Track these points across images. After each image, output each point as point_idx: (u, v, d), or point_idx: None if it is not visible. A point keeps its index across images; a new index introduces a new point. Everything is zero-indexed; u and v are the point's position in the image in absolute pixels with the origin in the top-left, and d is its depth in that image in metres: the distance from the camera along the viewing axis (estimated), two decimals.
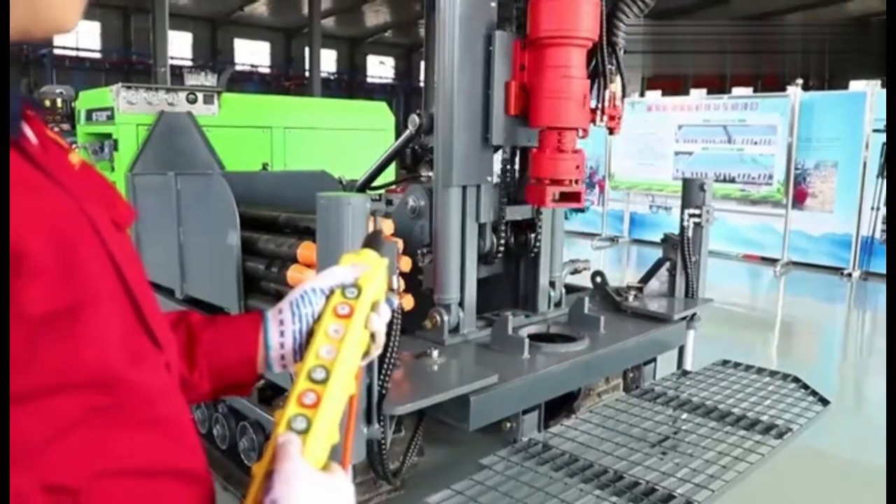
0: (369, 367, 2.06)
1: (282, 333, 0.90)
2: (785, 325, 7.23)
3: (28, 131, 0.63)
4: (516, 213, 3.04)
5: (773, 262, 9.43)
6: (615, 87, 2.87)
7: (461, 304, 2.87)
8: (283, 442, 0.67)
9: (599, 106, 2.83)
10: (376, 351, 0.91)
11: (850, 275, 8.88)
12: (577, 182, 2.74)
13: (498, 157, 3.01)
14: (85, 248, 0.61)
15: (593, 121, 2.82)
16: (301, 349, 0.89)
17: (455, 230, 2.81)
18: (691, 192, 3.46)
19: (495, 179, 2.97)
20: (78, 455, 0.59)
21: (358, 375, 0.84)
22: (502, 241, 2.98)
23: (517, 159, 3.11)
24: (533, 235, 3.14)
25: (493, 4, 2.76)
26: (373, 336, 0.89)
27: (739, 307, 7.78)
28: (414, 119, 3.01)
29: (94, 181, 0.74)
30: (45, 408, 0.56)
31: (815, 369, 5.58)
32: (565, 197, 2.74)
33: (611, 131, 2.96)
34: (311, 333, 0.86)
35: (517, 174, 3.09)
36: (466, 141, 2.75)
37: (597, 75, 2.82)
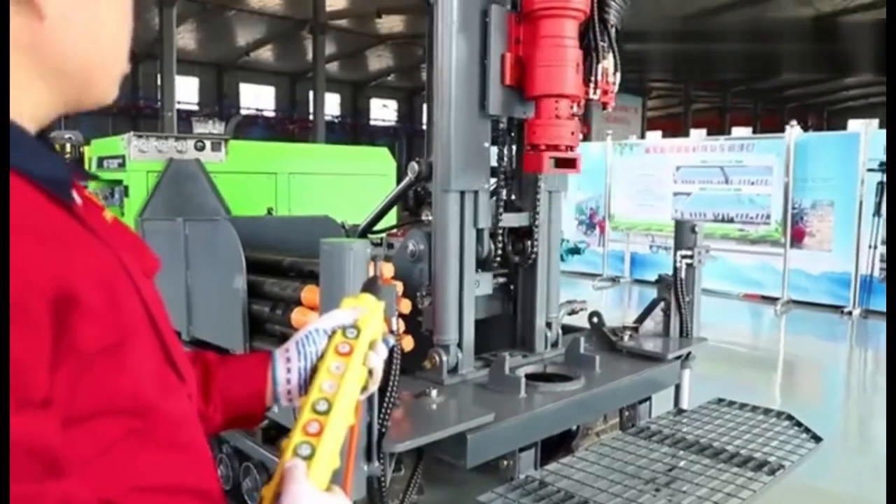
0: (370, 405, 2.14)
1: (288, 370, 1.01)
2: (787, 364, 7.26)
3: (75, 194, 0.74)
4: (513, 220, 3.15)
5: (773, 300, 9.49)
6: (608, 63, 2.97)
7: (460, 345, 2.95)
8: (290, 466, 0.77)
9: (593, 80, 2.92)
10: (374, 385, 1.01)
11: (850, 313, 8.92)
12: (572, 149, 2.83)
13: (494, 153, 3.10)
14: (124, 293, 0.71)
15: (587, 94, 2.92)
16: (306, 384, 1.00)
17: (454, 236, 2.90)
18: (683, 233, 3.56)
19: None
20: (116, 471, 0.68)
21: (357, 408, 0.94)
22: (500, 247, 3.06)
23: (514, 156, 3.20)
24: (530, 243, 3.22)
25: None
26: (370, 372, 0.99)
27: (741, 346, 7.81)
28: (413, 166, 3.13)
29: (125, 234, 0.85)
30: (94, 429, 0.66)
31: (817, 408, 5.61)
32: (562, 163, 2.83)
33: (604, 106, 3.06)
34: (314, 370, 0.97)
35: (514, 162, 3.18)
36: (466, 141, 2.85)
37: (590, 51, 2.91)
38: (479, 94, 2.87)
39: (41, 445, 0.58)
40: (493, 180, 3.09)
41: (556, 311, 3.41)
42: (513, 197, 3.29)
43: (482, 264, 3.09)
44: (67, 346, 0.61)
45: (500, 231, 3.08)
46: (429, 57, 2.96)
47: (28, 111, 0.70)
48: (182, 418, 0.79)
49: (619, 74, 3.00)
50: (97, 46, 0.75)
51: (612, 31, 2.98)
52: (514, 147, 3.22)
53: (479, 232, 3.03)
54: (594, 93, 2.91)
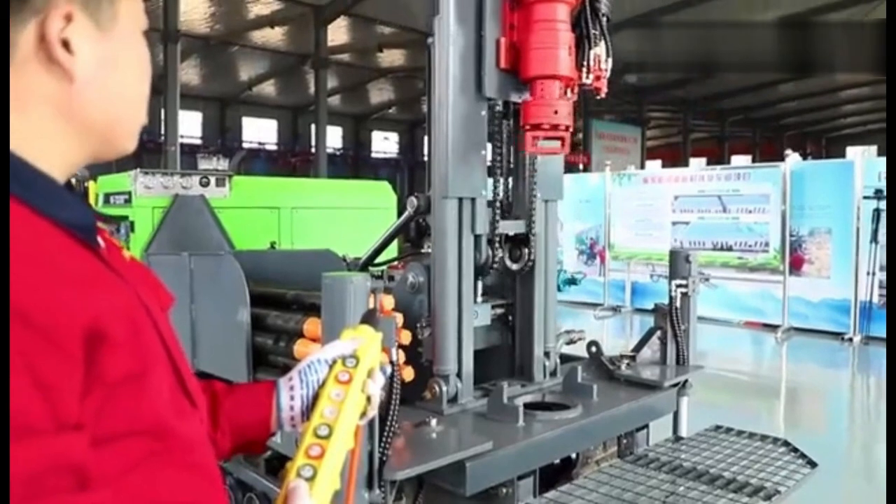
0: (371, 434, 2.20)
1: (292, 397, 1.08)
2: (789, 392, 7.28)
3: (98, 238, 0.82)
4: (510, 227, 3.22)
5: (774, 328, 9.53)
6: (600, 50, 3.03)
7: (459, 375, 3.01)
8: (294, 487, 0.84)
9: (585, 64, 2.98)
10: (372, 411, 1.09)
11: (850, 340, 8.96)
12: (564, 128, 2.88)
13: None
14: (144, 327, 0.79)
15: (580, 78, 2.98)
16: (308, 411, 1.07)
17: (452, 242, 2.96)
18: (678, 263, 3.63)
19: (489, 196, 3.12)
20: (138, 489, 0.75)
21: (357, 432, 1.01)
22: (498, 254, 3.12)
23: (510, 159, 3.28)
24: (527, 250, 3.28)
25: None
26: (369, 399, 1.07)
27: (742, 374, 7.85)
28: (412, 201, 3.21)
29: (142, 272, 0.94)
30: (118, 450, 0.73)
31: (820, 436, 5.63)
32: (550, 140, 2.90)
33: (597, 91, 3.11)
34: (316, 397, 1.04)
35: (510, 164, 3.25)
36: (464, 142, 2.92)
37: (582, 39, 2.98)
38: (475, 79, 2.96)
39: (76, 463, 0.65)
40: (490, 183, 3.15)
41: (553, 340, 3.46)
42: (510, 203, 3.36)
43: (480, 271, 3.15)
44: (96, 376, 0.69)
45: (498, 237, 3.14)
46: (428, 89, 3.05)
47: (57, 163, 0.79)
48: (195, 441, 0.86)
49: (610, 61, 3.07)
50: (120, 104, 0.84)
51: (604, 19, 3.08)
52: (511, 149, 3.29)
53: (477, 239, 3.10)
54: (587, 77, 2.99)
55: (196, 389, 0.92)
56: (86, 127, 0.81)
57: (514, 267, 3.31)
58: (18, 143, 0.74)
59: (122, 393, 0.73)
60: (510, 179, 3.34)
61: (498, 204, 3.12)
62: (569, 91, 2.95)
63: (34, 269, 0.67)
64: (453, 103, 2.90)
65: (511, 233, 3.25)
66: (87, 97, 0.79)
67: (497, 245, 3.14)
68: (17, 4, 0.73)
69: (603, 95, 3.16)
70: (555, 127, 2.86)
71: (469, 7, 2.93)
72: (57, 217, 0.74)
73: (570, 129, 2.92)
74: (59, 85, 0.77)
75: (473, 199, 3.01)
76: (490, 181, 3.13)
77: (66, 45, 0.75)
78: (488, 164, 3.15)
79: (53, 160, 0.78)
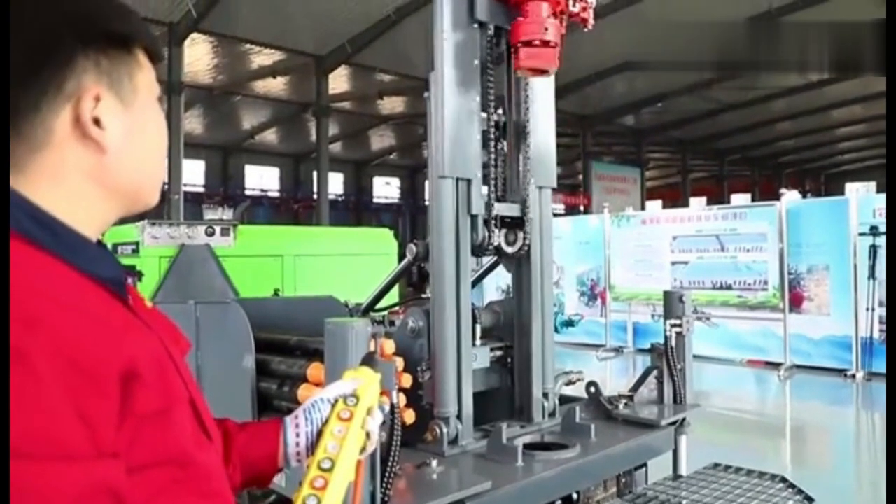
0: (373, 475, 2.27)
1: (297, 434, 1.18)
2: (794, 431, 7.27)
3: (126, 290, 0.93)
4: (504, 209, 3.29)
5: (776, 366, 9.54)
6: None
7: (459, 417, 3.07)
8: None
9: None
10: (371, 447, 1.18)
11: (853, 376, 8.96)
12: (549, 45, 2.97)
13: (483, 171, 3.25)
14: (168, 369, 0.89)
15: (566, 5, 3.07)
16: (312, 446, 1.16)
17: (449, 222, 3.03)
18: (672, 303, 3.71)
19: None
20: None
21: (359, 467, 1.10)
22: (494, 235, 3.18)
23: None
24: (522, 234, 3.35)
25: None
26: (368, 435, 1.16)
27: (746, 413, 7.84)
28: (412, 248, 3.31)
29: (162, 320, 1.04)
30: (147, 477, 0.82)
31: (826, 474, 5.62)
32: (537, 55, 2.98)
33: (583, 23, 3.20)
34: (320, 434, 1.14)
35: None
36: (457, 120, 3.02)
37: None
38: (468, 6, 3.07)
39: (114, 487, 0.75)
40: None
41: (552, 382, 3.53)
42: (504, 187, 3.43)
43: (477, 251, 3.22)
44: (129, 412, 0.79)
45: (494, 219, 3.22)
46: (429, 133, 3.18)
47: (93, 224, 0.91)
48: (213, 470, 0.96)
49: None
50: (145, 166, 0.97)
51: None
52: (501, 144, 3.38)
53: (474, 219, 3.18)
54: (574, 5, 3.09)
55: (212, 425, 1.02)
56: (116, 190, 0.92)
57: (510, 250, 3.37)
58: (59, 209, 0.85)
59: (150, 426, 0.82)
60: (503, 149, 3.39)
61: (493, 182, 3.21)
62: (557, 23, 3.02)
63: (76, 318, 0.78)
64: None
65: (507, 216, 3.29)
66: (117, 164, 0.91)
67: (493, 226, 3.22)
68: (53, 94, 0.84)
69: (590, 27, 3.24)
70: (545, 43, 2.97)
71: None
72: (93, 273, 0.85)
73: (558, 47, 3.01)
74: (94, 157, 0.88)
75: (469, 180, 3.11)
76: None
77: (97, 122, 0.87)
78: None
79: (90, 222, 0.90)
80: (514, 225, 3.39)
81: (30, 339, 0.71)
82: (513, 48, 3.08)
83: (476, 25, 3.17)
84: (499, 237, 3.26)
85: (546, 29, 2.97)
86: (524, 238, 3.35)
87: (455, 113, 3.08)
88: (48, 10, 0.86)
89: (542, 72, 3.15)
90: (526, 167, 3.33)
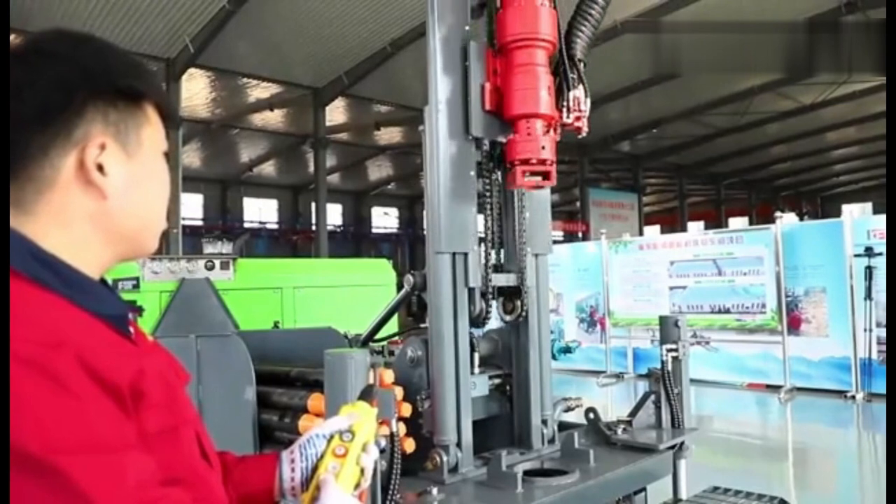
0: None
1: (292, 469, 1.21)
2: (795, 453, 7.25)
3: (130, 327, 0.98)
4: (502, 280, 3.34)
5: (776, 388, 9.53)
6: (579, 92, 3.17)
7: (459, 445, 3.10)
8: None
9: (566, 105, 3.12)
10: (365, 483, 1.21)
11: (853, 397, 8.96)
12: (549, 163, 3.02)
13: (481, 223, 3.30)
14: (175, 387, 0.96)
15: (561, 117, 3.12)
16: (307, 482, 1.19)
17: (447, 294, 3.07)
18: (667, 328, 3.75)
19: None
20: None
21: (360, 498, 1.13)
22: (491, 306, 3.22)
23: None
24: (520, 302, 3.39)
25: (467, 28, 3.16)
26: (362, 471, 1.19)
27: (748, 436, 7.83)
28: (409, 279, 3.36)
29: (163, 353, 1.09)
30: (167, 494, 0.86)
31: (826, 495, 5.61)
32: (537, 175, 3.02)
33: (577, 131, 3.23)
34: (315, 469, 1.16)
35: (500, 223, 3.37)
36: (454, 196, 3.07)
37: (561, 83, 3.14)
38: (462, 121, 3.11)
39: (151, 468, 0.82)
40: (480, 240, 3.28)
41: (550, 408, 3.56)
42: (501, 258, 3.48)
43: (474, 322, 3.26)
44: (139, 428, 0.85)
45: (491, 290, 3.27)
46: (425, 163, 3.24)
47: (94, 266, 0.96)
48: (217, 493, 1.01)
49: (588, 101, 3.25)
50: (145, 214, 1.02)
51: (580, 64, 3.28)
52: (498, 212, 3.43)
53: (471, 292, 3.22)
54: (567, 116, 3.16)
55: (213, 453, 1.06)
56: (117, 234, 0.98)
57: (508, 318, 3.42)
58: (63, 251, 0.91)
59: (160, 443, 0.88)
60: (500, 222, 3.45)
61: (491, 253, 3.26)
62: (551, 131, 3.11)
63: (93, 340, 0.85)
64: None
65: (504, 284, 3.36)
66: (118, 210, 0.96)
67: (490, 297, 3.26)
68: (63, 138, 0.91)
69: (584, 134, 3.29)
70: (542, 161, 3.04)
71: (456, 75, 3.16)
72: (97, 311, 0.91)
73: (554, 164, 3.07)
74: (96, 202, 0.94)
75: (466, 254, 3.17)
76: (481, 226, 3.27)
77: (100, 168, 0.93)
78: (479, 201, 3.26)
79: (92, 263, 0.95)
80: (512, 294, 3.46)
81: (55, 356, 0.78)
82: (508, 164, 3.12)
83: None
84: (497, 307, 3.33)
85: (543, 147, 3.02)
86: (521, 306, 3.41)
87: (451, 191, 3.14)
88: (67, 60, 0.93)
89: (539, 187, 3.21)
90: (521, 239, 3.40)
